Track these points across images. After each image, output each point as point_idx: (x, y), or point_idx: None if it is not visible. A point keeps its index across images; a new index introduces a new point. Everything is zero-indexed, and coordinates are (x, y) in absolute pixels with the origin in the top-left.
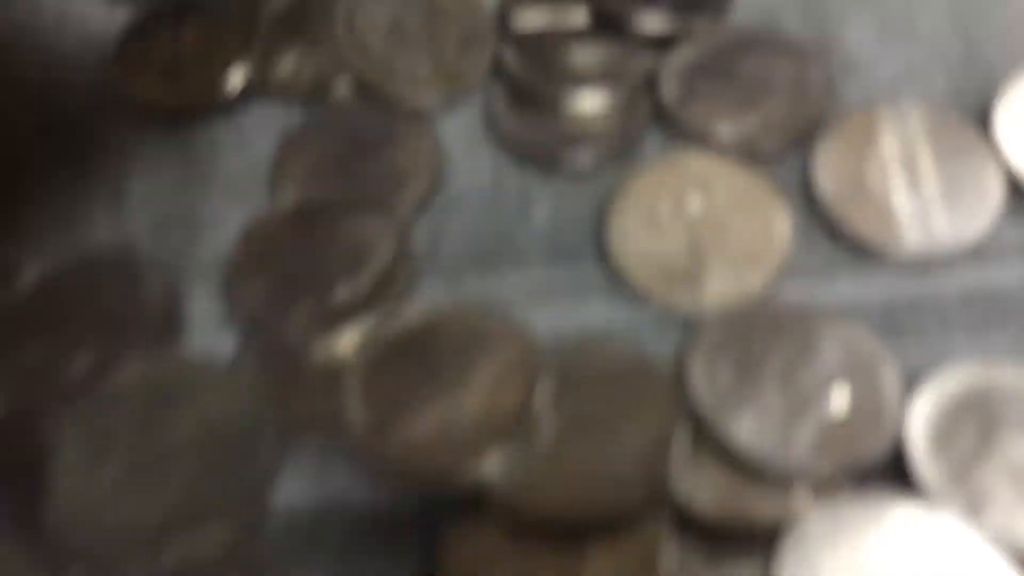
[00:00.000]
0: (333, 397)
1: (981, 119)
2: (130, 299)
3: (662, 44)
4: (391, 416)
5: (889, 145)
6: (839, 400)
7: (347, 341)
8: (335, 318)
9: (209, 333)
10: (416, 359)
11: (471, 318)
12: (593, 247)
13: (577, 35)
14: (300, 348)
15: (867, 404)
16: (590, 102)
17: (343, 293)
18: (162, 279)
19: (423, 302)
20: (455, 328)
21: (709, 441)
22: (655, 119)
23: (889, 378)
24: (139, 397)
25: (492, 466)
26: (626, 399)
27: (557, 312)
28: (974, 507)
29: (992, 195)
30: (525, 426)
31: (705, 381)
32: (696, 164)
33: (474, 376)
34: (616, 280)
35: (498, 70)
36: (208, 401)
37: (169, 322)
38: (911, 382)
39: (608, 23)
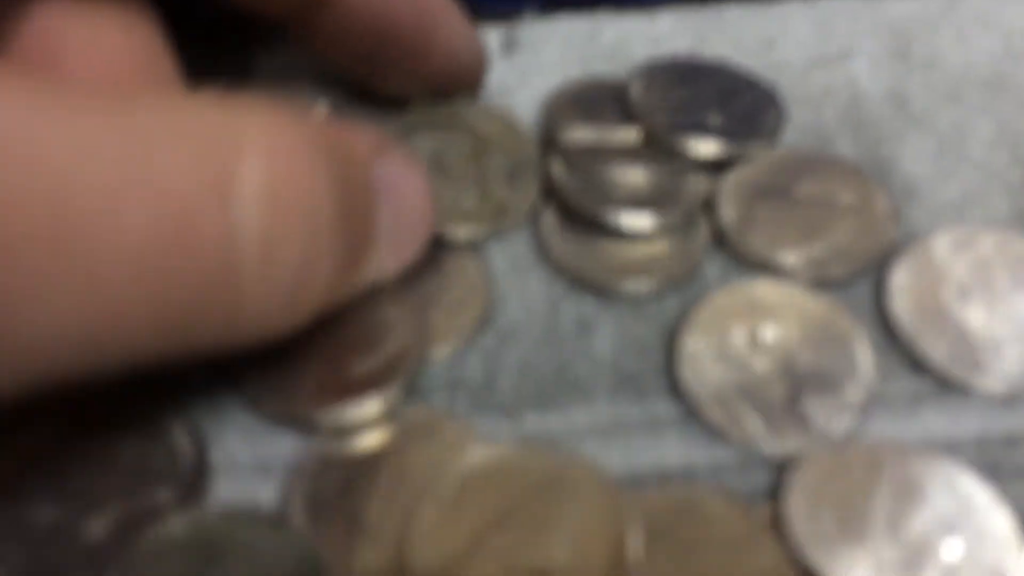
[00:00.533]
0: (397, 545)
1: None
2: (156, 449)
3: (715, 167)
4: (464, 566)
5: (963, 271)
6: (954, 551)
7: (363, 414)
8: (347, 390)
9: (240, 480)
10: (491, 504)
11: (547, 460)
12: (661, 379)
13: (628, 153)
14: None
15: (981, 555)
16: (645, 225)
17: (356, 367)
18: (189, 425)
19: (489, 440)
20: (531, 470)
21: None
22: (714, 243)
23: (1003, 528)
24: (184, 554)
25: None
26: (723, 550)
27: (628, 451)
28: None
29: None
30: None
31: (808, 528)
32: (764, 291)
33: (557, 524)
34: (690, 415)
35: (548, 192)
36: (259, 556)
37: (199, 472)
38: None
39: (659, 144)
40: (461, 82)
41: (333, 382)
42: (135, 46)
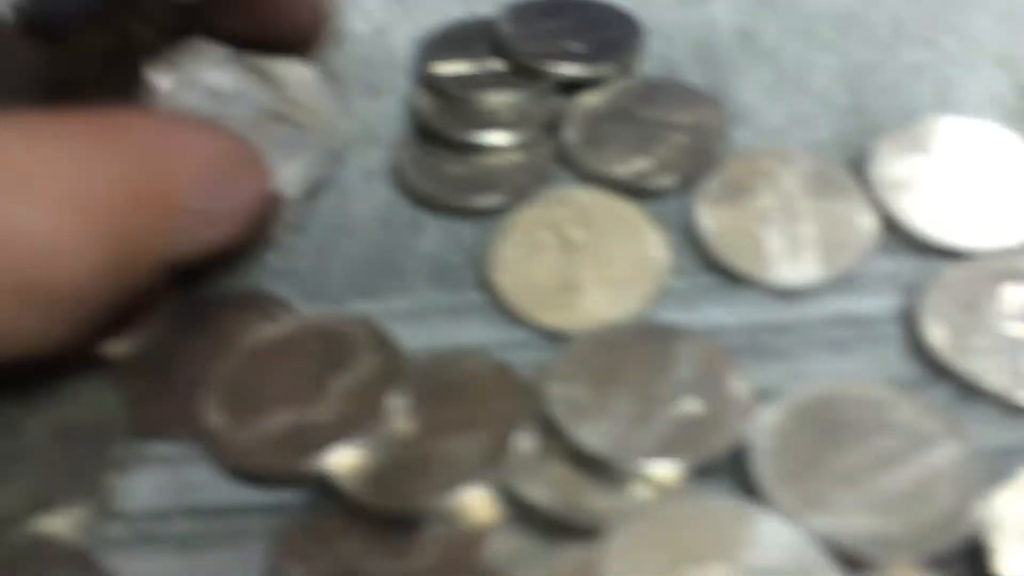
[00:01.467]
0: (189, 396)
1: (860, 165)
2: None
3: (572, 88)
4: (247, 414)
5: (770, 185)
6: (687, 407)
7: None
8: None
9: None
10: (281, 362)
11: (338, 325)
12: (477, 274)
13: (491, 79)
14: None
15: (713, 411)
16: (493, 141)
17: None
18: None
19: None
20: (322, 333)
21: (559, 442)
22: (559, 162)
23: (736, 388)
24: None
25: (342, 463)
26: (477, 403)
27: (433, 332)
28: (808, 508)
29: (864, 233)
30: (379, 426)
31: (561, 389)
32: (582, 198)
33: (335, 380)
34: (495, 305)
35: (412, 117)
36: (65, 402)
37: None
38: (767, 397)
39: (522, 72)
40: (299, 35)
41: None
42: None
